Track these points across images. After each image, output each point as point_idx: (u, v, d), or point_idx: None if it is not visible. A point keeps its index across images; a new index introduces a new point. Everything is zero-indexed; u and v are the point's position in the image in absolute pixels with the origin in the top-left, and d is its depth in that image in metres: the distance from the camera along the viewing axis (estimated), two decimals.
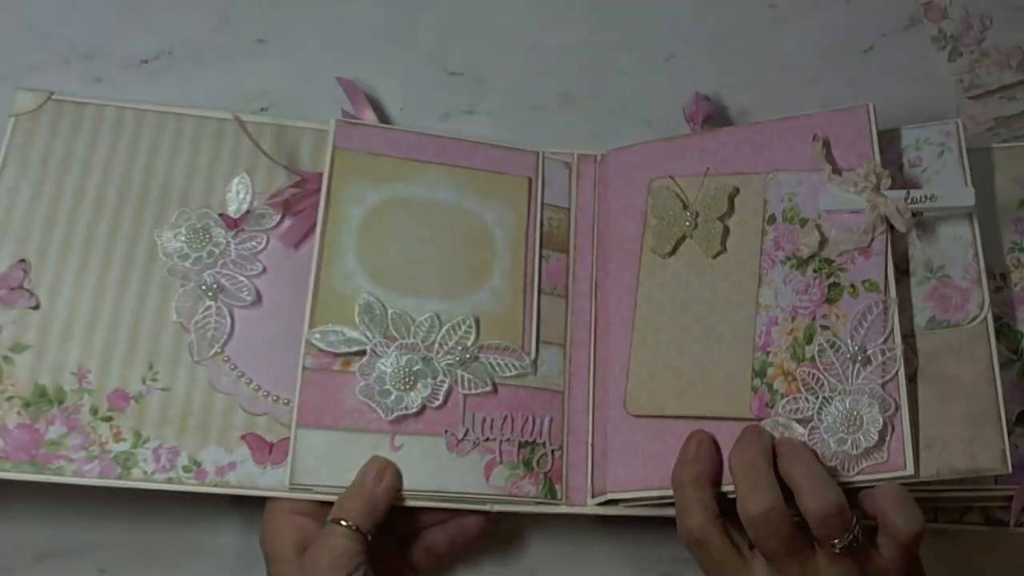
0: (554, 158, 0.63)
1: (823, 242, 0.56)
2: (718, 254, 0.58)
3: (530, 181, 0.62)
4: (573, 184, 0.63)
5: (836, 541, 0.49)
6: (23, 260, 0.58)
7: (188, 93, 0.64)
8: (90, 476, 0.55)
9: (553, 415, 0.58)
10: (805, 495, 0.49)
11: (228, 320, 0.58)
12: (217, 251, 0.60)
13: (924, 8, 0.70)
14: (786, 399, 0.54)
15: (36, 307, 0.58)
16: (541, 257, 0.61)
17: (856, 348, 0.53)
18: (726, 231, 0.58)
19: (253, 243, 0.60)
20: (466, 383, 0.57)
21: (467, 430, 0.56)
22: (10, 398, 0.56)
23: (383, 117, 0.65)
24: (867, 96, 0.67)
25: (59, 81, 0.63)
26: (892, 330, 0.53)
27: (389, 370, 0.56)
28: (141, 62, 0.66)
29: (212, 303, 0.59)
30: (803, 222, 0.57)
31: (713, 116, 0.64)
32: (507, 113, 0.67)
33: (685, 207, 0.60)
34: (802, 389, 0.54)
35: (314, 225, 0.59)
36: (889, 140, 0.60)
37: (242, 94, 0.65)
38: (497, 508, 0.57)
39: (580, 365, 0.59)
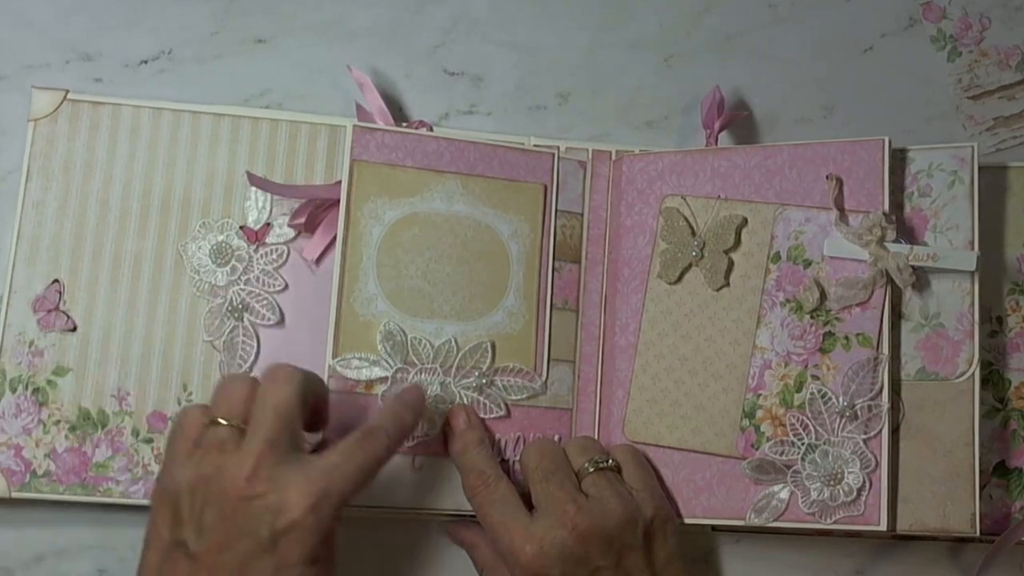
0: (568, 157, 0.64)
1: (823, 297, 0.58)
2: (721, 287, 0.60)
3: (545, 188, 0.63)
4: (587, 184, 0.64)
5: (594, 459, 0.57)
6: (56, 280, 0.61)
7: (188, 93, 0.64)
8: (136, 497, 0.60)
9: (562, 432, 0.62)
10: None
11: (254, 340, 0.62)
12: (241, 266, 0.62)
13: (923, 8, 0.68)
14: (771, 442, 0.58)
15: (73, 329, 0.61)
16: (554, 269, 0.63)
17: (845, 404, 0.57)
18: (731, 265, 0.60)
19: (275, 256, 0.63)
20: (482, 408, 0.61)
21: None
22: (57, 422, 0.60)
23: (393, 111, 0.65)
24: (866, 96, 0.68)
25: (59, 81, 0.64)
26: (881, 387, 0.56)
27: None
28: (141, 62, 0.66)
29: (238, 323, 0.62)
30: (807, 264, 0.59)
31: (729, 125, 0.65)
32: (507, 113, 0.67)
33: (694, 233, 0.61)
34: (789, 434, 0.57)
35: (334, 239, 0.61)
36: (900, 162, 0.60)
37: (242, 94, 0.65)
38: None
39: (588, 381, 0.63)
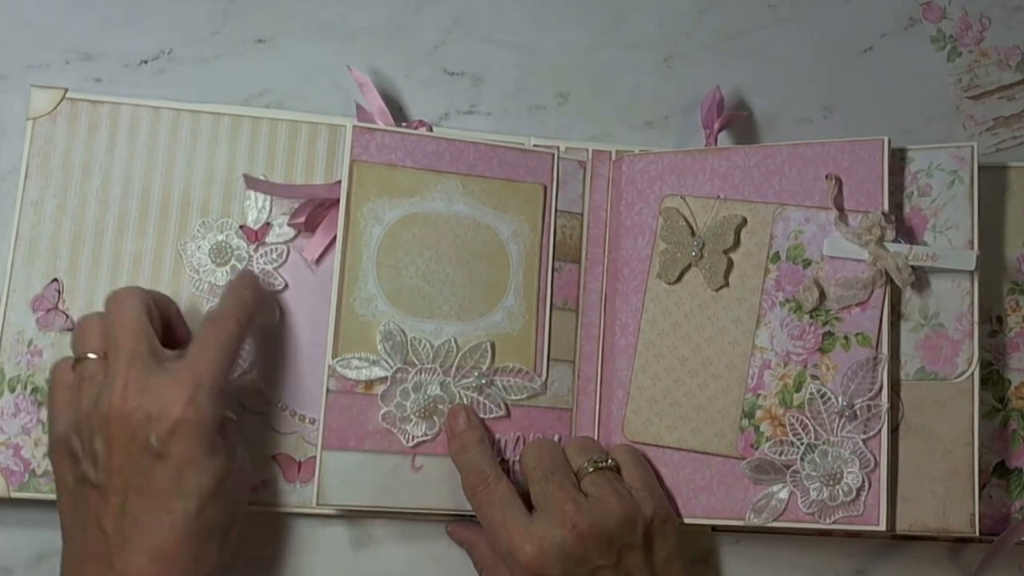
0: (568, 157, 0.64)
1: (822, 297, 0.58)
2: (721, 287, 0.60)
3: (545, 189, 0.63)
4: (587, 184, 0.64)
5: (593, 459, 0.57)
6: (55, 279, 0.61)
7: (188, 93, 0.64)
8: None
9: (562, 432, 0.62)
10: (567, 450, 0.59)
11: (254, 339, 0.61)
12: (240, 266, 0.62)
13: (923, 8, 0.68)
14: (771, 442, 0.58)
15: (72, 328, 0.60)
16: (553, 269, 0.63)
17: (844, 404, 0.57)
18: (730, 265, 0.60)
19: (275, 256, 0.63)
20: (482, 408, 0.61)
21: None
22: None
23: (393, 111, 0.65)
24: (866, 96, 0.68)
25: (58, 81, 0.63)
26: (881, 387, 0.56)
27: (409, 401, 0.60)
28: (141, 62, 0.66)
29: None
30: (806, 264, 0.59)
31: (729, 126, 0.65)
32: (506, 113, 0.67)
33: (693, 233, 0.61)
34: (788, 434, 0.58)
35: (334, 239, 0.61)
36: (899, 162, 0.60)
37: (242, 94, 0.65)
38: None
39: (588, 380, 0.63)
